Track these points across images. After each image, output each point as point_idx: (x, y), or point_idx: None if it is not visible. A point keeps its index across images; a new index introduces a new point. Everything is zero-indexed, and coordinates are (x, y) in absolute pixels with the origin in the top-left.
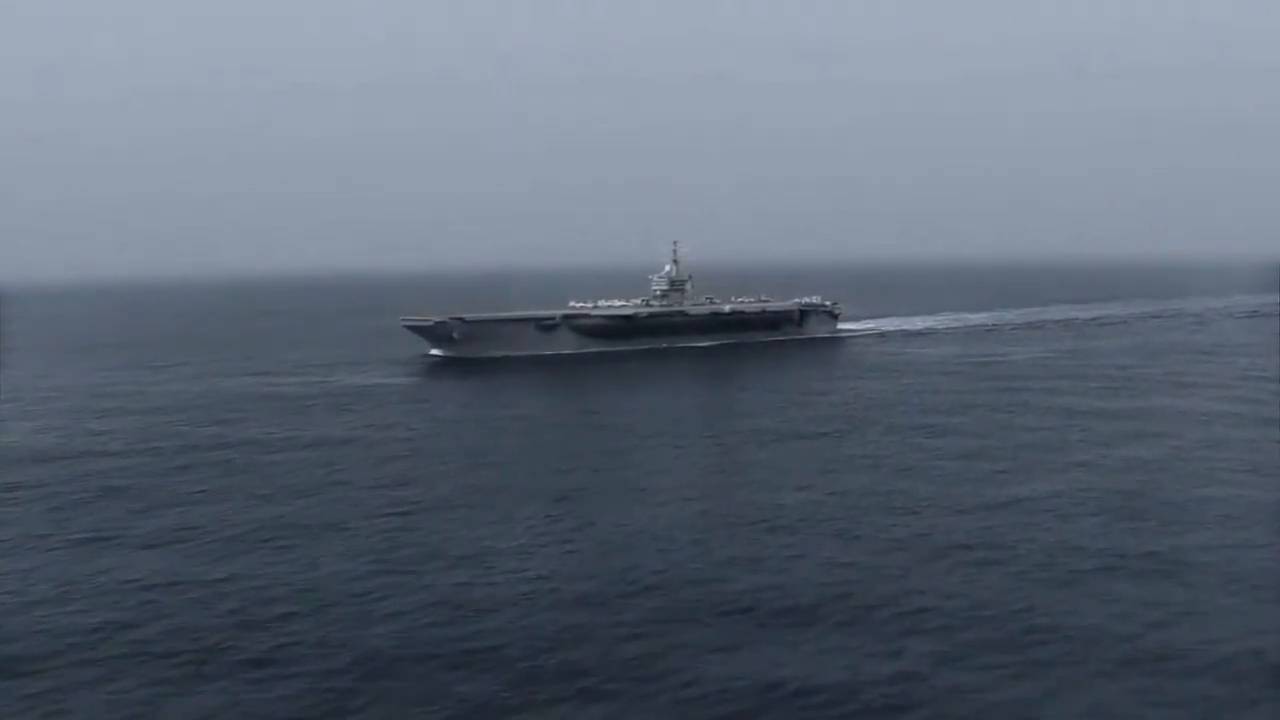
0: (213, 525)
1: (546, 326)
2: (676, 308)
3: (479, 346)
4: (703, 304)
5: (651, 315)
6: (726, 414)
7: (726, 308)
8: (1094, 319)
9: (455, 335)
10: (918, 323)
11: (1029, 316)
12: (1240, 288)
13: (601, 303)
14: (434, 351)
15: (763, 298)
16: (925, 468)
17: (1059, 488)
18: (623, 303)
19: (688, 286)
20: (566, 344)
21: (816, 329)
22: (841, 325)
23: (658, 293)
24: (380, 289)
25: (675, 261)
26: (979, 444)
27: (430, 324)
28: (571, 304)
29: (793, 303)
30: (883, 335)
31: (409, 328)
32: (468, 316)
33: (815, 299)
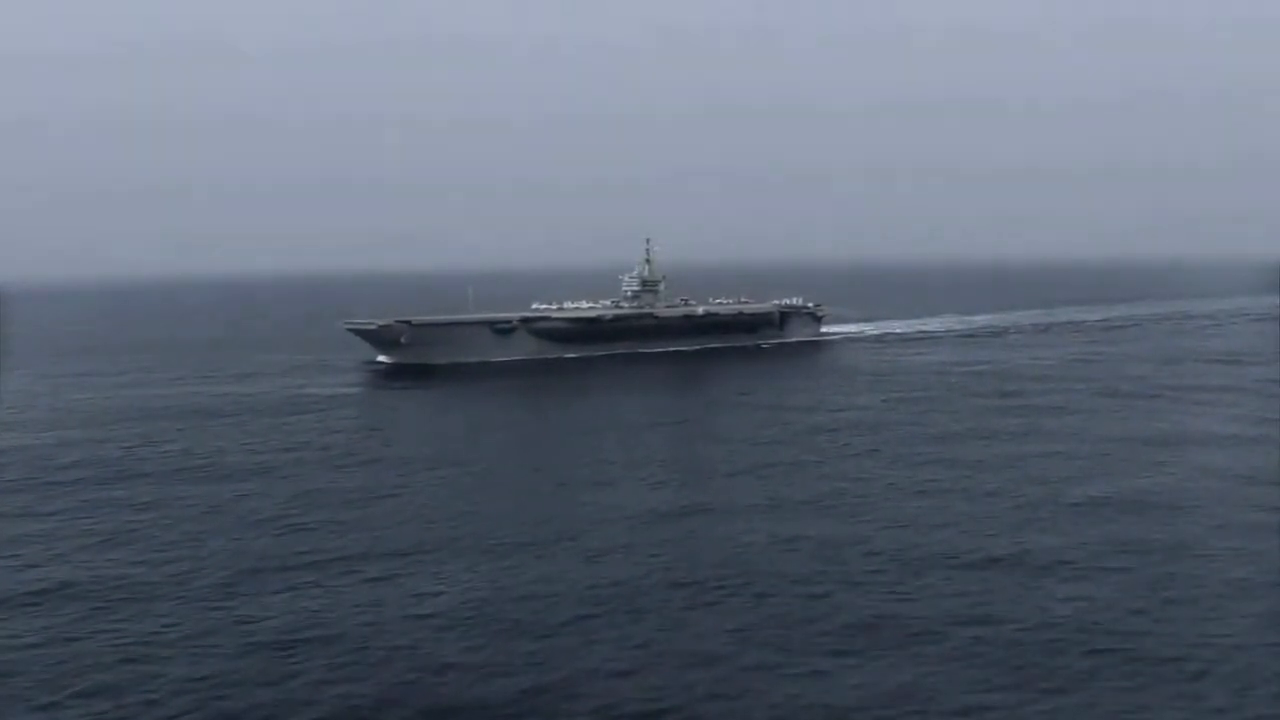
0: (72, 583)
1: (503, 330)
2: (646, 310)
3: (428, 352)
4: (676, 306)
5: (617, 318)
6: (691, 436)
7: (700, 309)
8: (1101, 321)
9: (403, 340)
10: (910, 325)
11: (1032, 319)
12: (1243, 288)
13: (567, 304)
14: (381, 358)
15: (742, 299)
16: (911, 508)
17: (1069, 537)
18: (590, 304)
19: (661, 287)
20: (525, 349)
21: (799, 332)
22: (826, 328)
23: (629, 294)
24: (372, 290)
25: (648, 261)
26: (975, 476)
27: (374, 328)
28: (534, 305)
29: (772, 304)
30: (875, 339)
31: (353, 332)
32: (415, 319)
33: (797, 300)
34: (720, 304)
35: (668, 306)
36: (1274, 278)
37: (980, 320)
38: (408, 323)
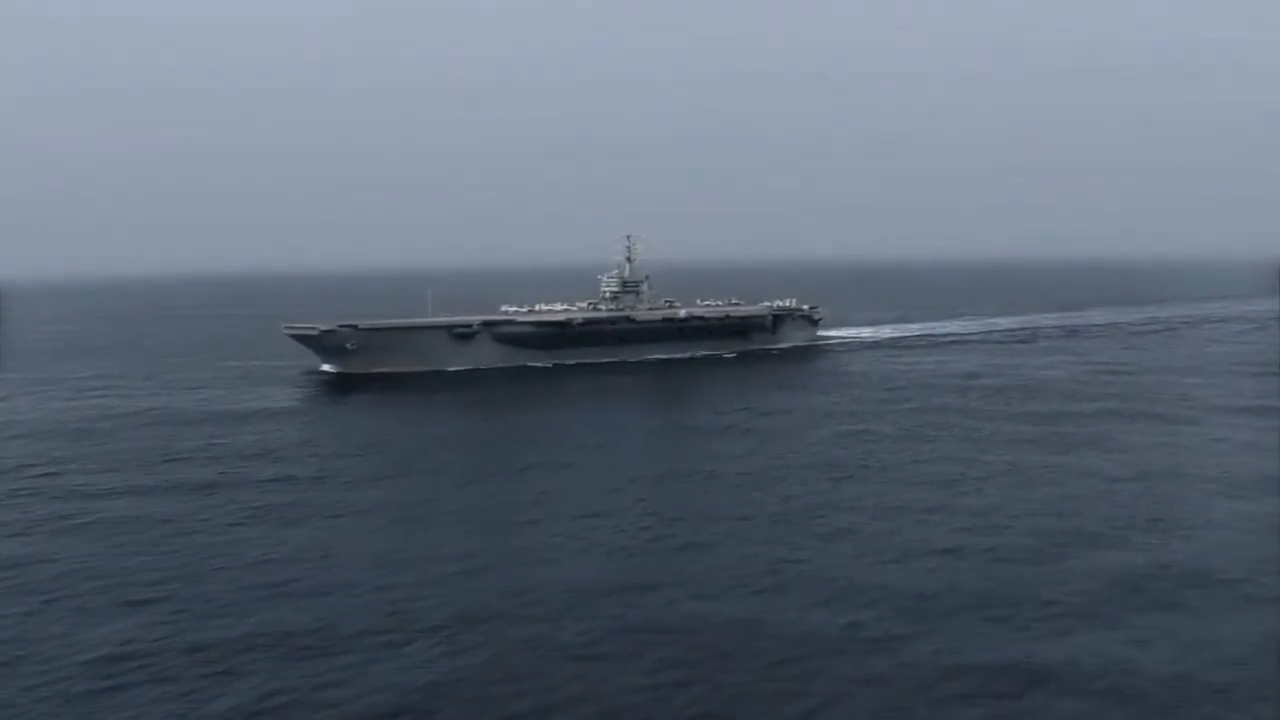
0: None
1: (462, 335)
2: (623, 313)
3: (379, 359)
4: (659, 308)
5: (588, 321)
6: (654, 473)
7: (683, 312)
8: (1127, 324)
9: (349, 346)
10: (913, 328)
11: (1050, 321)
12: (1245, 289)
13: (540, 306)
14: (325, 366)
15: (732, 301)
16: (913, 579)
17: (1111, 631)
18: (566, 307)
19: (643, 288)
20: (488, 356)
21: (793, 336)
22: (823, 332)
23: (607, 295)
24: (367, 287)
25: (629, 260)
26: (996, 533)
27: (316, 333)
28: (503, 308)
29: (763, 306)
30: (875, 344)
31: (293, 337)
32: (363, 323)
33: (791, 302)
34: (707, 306)
35: (649, 309)
36: (1274, 277)
37: (986, 324)
38: (354, 326)
